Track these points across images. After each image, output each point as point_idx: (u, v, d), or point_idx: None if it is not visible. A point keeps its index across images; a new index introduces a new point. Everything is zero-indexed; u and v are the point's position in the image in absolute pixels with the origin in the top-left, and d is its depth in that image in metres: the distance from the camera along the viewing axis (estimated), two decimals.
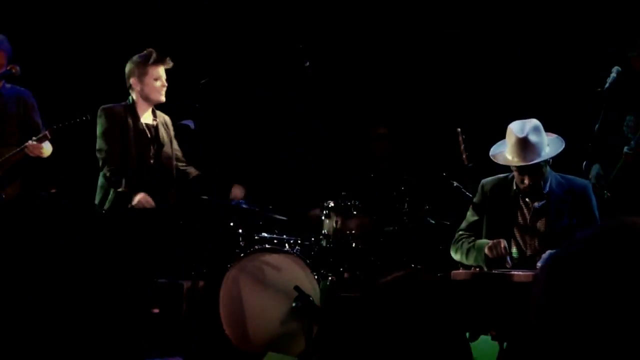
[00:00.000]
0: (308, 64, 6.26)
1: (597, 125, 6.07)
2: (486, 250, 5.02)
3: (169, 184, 6.20)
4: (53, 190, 6.45)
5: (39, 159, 6.11)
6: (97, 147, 6.15)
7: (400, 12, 7.82)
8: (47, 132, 6.08)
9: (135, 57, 6.22)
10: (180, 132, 6.39)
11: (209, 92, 6.16)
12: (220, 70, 6.56)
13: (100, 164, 6.11)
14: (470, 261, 5.18)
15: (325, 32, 7.85)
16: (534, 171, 5.07)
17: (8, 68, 6.09)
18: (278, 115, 7.89)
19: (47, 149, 6.12)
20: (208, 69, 6.51)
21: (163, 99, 6.18)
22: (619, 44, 6.10)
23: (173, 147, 6.34)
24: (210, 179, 6.60)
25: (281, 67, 6.40)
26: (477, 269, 5.00)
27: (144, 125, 6.20)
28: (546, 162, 5.12)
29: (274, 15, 7.87)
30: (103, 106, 6.20)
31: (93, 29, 7.65)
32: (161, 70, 6.18)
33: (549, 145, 5.13)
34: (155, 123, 6.25)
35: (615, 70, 5.98)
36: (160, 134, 6.25)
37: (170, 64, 6.19)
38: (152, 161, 6.18)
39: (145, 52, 6.23)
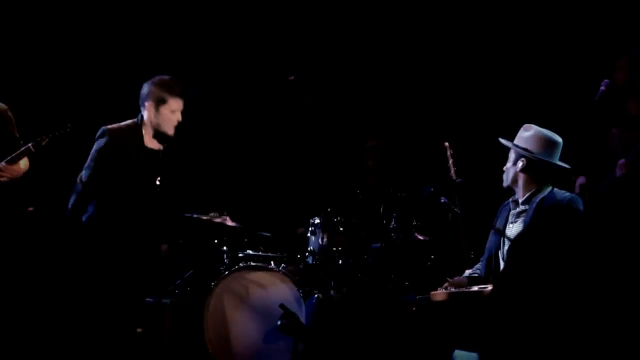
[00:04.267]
0: (293, 77, 6.17)
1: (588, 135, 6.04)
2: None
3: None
4: (31, 209, 6.29)
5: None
6: (87, 171, 5.75)
7: (390, 26, 7.78)
8: (29, 146, 5.91)
9: (157, 80, 5.85)
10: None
11: (191, 108, 6.04)
12: (204, 85, 6.46)
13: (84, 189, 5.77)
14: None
15: (315, 43, 7.79)
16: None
17: None
18: (263, 130, 7.82)
19: (23, 166, 5.97)
20: (194, 82, 6.40)
21: (172, 133, 5.85)
22: (609, 55, 6.07)
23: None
24: (193, 196, 6.51)
25: (267, 81, 6.31)
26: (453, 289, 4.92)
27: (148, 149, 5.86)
28: None
29: (261, 32, 7.81)
30: (107, 127, 5.79)
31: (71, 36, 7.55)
32: (180, 104, 5.86)
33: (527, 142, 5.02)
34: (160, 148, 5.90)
35: (604, 84, 5.95)
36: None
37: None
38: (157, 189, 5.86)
39: (168, 79, 5.87)
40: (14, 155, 5.84)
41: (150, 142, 5.83)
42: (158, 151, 5.86)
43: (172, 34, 7.79)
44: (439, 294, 4.90)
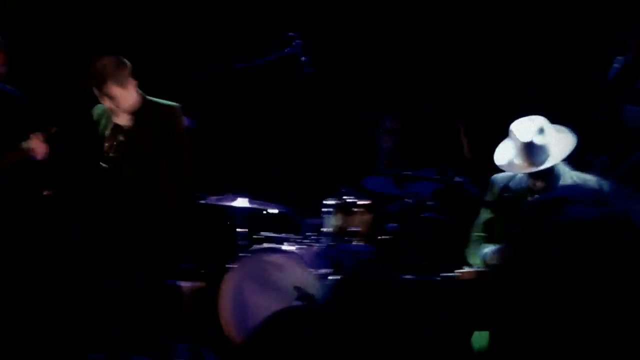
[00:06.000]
0: (305, 59, 6.14)
1: (602, 117, 6.02)
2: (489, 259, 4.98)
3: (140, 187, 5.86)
4: (47, 193, 6.32)
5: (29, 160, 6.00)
6: None
7: (406, 6, 7.76)
8: (49, 130, 5.98)
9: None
10: None
11: (207, 88, 6.04)
12: (218, 65, 6.43)
13: None
14: (478, 263, 5.16)
15: (330, 23, 7.77)
16: (545, 175, 4.91)
17: None
18: (277, 110, 7.81)
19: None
20: (206, 65, 6.39)
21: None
22: (624, 33, 6.05)
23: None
24: (209, 178, 6.52)
25: (282, 61, 6.28)
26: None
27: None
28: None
29: (274, 7, 7.80)
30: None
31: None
32: None
33: (558, 144, 4.93)
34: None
35: (618, 61, 5.94)
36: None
37: None
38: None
39: None
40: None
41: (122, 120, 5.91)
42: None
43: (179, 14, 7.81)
44: (468, 273, 4.90)
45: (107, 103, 5.72)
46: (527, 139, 4.83)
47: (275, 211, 6.83)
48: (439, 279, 5.92)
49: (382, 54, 7.80)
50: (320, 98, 6.88)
